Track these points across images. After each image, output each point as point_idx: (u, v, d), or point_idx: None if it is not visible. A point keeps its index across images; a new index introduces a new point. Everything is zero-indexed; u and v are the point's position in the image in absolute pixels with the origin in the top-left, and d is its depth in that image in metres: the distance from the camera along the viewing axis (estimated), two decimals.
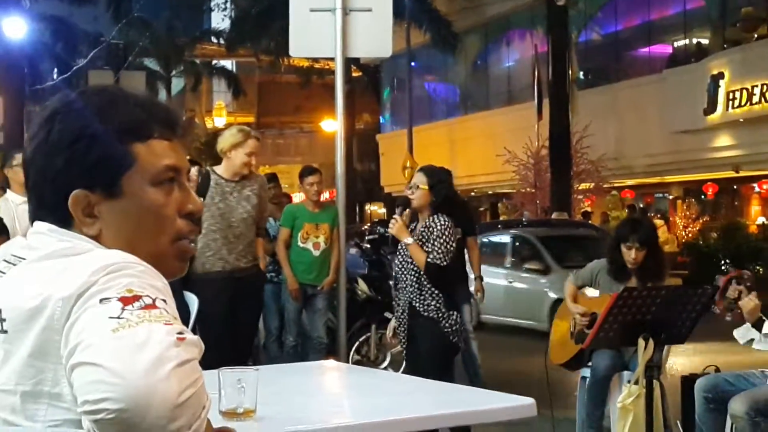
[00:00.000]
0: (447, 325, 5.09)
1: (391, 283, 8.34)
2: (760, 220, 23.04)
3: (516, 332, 11.78)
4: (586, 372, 5.37)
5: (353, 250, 10.93)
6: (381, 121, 36.64)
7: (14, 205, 5.98)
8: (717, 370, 4.78)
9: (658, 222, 20.04)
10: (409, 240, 5.13)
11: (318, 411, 2.63)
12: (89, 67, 23.21)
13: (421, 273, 5.10)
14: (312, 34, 6.31)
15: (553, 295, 11.24)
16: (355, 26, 6.27)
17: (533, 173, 21.79)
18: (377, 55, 6.99)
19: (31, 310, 1.29)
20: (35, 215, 1.46)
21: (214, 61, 37.89)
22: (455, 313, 5.14)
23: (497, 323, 12.05)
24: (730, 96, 19.11)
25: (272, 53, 29.43)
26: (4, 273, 1.40)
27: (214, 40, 35.37)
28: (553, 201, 19.84)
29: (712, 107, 19.52)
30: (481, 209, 30.34)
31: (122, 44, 25.22)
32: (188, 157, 1.70)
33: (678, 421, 5.03)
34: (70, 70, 24.56)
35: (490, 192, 29.17)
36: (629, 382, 4.56)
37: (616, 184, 23.36)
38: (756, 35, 19.96)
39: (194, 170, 5.84)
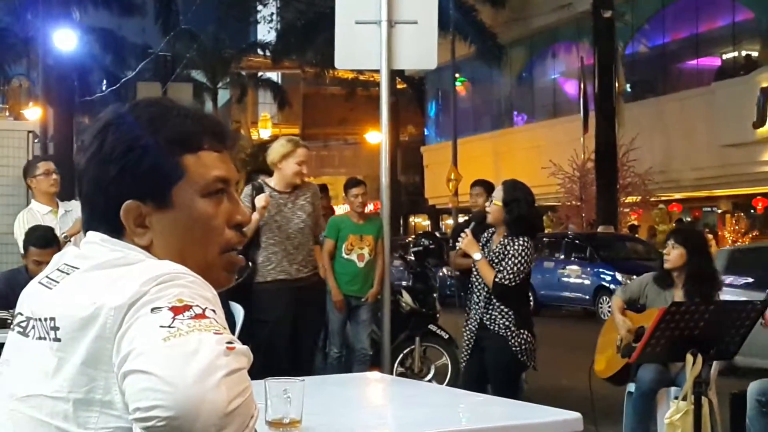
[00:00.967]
0: (516, 343, 5.06)
1: (435, 296, 8.35)
2: None
3: (561, 344, 11.69)
4: (632, 387, 5.31)
5: (397, 262, 10.93)
6: (425, 132, 36.65)
7: (40, 215, 6.04)
8: None
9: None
10: (478, 256, 5.10)
11: (362, 423, 2.63)
12: (137, 79, 23.52)
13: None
14: (357, 46, 6.33)
15: None
16: (401, 38, 6.28)
17: (579, 186, 21.65)
18: (422, 67, 6.99)
19: (84, 318, 1.31)
20: (88, 225, 1.48)
21: (259, 73, 38.20)
22: (526, 331, 5.10)
23: None
24: None
25: (317, 65, 29.65)
26: (57, 282, 1.42)
27: (260, 52, 35.71)
28: (599, 214, 19.68)
29: (761, 120, 19.25)
30: None
31: (170, 56, 25.49)
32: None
33: None
34: (119, 81, 24.92)
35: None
36: (677, 398, 4.50)
37: (663, 198, 23.12)
38: None
39: (248, 188, 5.88)
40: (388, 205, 6.45)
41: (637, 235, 20.12)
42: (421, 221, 38.43)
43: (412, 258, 8.68)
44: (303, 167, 5.83)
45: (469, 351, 5.25)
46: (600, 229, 18.91)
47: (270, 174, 6.06)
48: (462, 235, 5.29)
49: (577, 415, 2.46)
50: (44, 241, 5.13)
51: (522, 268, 5.07)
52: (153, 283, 1.30)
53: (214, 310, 1.30)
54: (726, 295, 5.79)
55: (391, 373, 6.72)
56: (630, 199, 21.46)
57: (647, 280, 5.46)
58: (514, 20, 27.13)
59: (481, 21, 26.46)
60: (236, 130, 35.56)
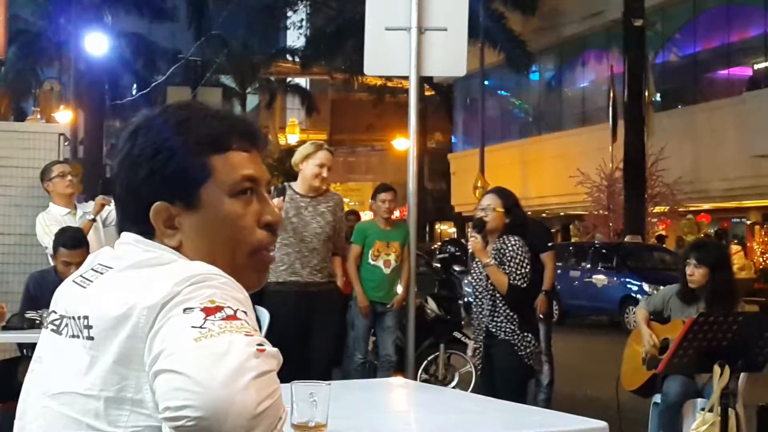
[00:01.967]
0: (521, 347, 5.06)
1: (461, 302, 8.34)
2: None
3: (587, 354, 11.63)
4: (658, 398, 5.28)
5: (423, 269, 10.93)
6: (453, 140, 36.62)
7: (60, 216, 6.09)
8: None
9: (735, 248, 19.60)
10: (491, 261, 5.09)
11: (387, 427, 2.63)
12: (167, 84, 23.69)
13: (497, 295, 5.07)
14: (387, 53, 6.35)
15: None
16: (430, 45, 6.29)
17: (606, 195, 21.53)
18: (451, 74, 6.99)
19: (117, 317, 1.33)
20: (121, 226, 1.51)
21: (288, 79, 38.34)
22: (530, 335, 5.11)
23: None
24: None
25: (346, 71, 29.71)
26: (91, 281, 1.44)
27: (289, 58, 35.83)
28: (627, 224, 19.57)
29: None
30: (552, 231, 30.06)
31: (200, 61, 25.70)
32: None
33: None
34: (149, 86, 25.10)
35: (561, 213, 28.90)
36: (703, 409, 4.47)
37: (691, 208, 22.95)
38: None
39: (271, 189, 5.91)
40: (414, 211, 6.46)
41: (664, 246, 19.98)
42: (447, 228, 38.37)
43: (438, 265, 8.68)
44: (323, 170, 5.82)
45: (481, 362, 5.25)
46: (627, 238, 18.79)
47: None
48: (471, 238, 5.28)
49: (603, 424, 2.46)
50: (74, 242, 5.17)
51: (525, 265, 5.10)
52: (185, 284, 1.31)
53: (245, 312, 1.31)
54: None
55: (415, 380, 6.72)
56: (658, 209, 21.32)
57: (671, 293, 5.43)
58: (543, 28, 27.06)
59: (511, 29, 26.42)
60: (264, 134, 35.67)
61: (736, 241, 22.93)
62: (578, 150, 24.99)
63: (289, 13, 35.30)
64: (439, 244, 17.36)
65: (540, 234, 7.17)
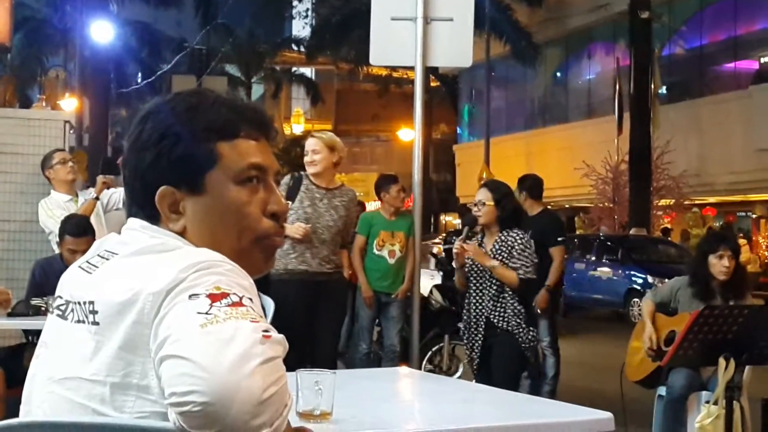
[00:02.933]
0: (525, 340, 5.08)
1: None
2: None
3: (592, 346, 11.63)
4: (663, 390, 5.28)
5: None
6: (458, 131, 36.59)
7: (62, 202, 6.11)
8: None
9: (741, 241, 19.58)
10: (495, 263, 5.10)
11: (391, 416, 2.63)
12: (173, 72, 23.69)
13: (505, 287, 5.09)
14: (392, 43, 6.33)
15: None
16: (436, 35, 6.28)
17: (611, 188, 21.51)
18: (457, 64, 6.98)
19: (122, 303, 1.33)
20: (129, 212, 1.51)
21: (293, 69, 38.31)
22: (534, 329, 5.16)
23: None
24: None
25: (351, 61, 29.67)
26: (97, 267, 1.44)
27: (294, 47, 35.79)
28: (632, 217, 19.55)
29: None
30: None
31: (205, 50, 25.68)
32: None
33: None
34: (154, 74, 25.10)
35: (566, 206, 28.89)
36: (708, 402, 4.46)
37: (697, 201, 22.92)
38: None
39: (287, 177, 5.91)
40: (419, 202, 6.46)
41: (669, 239, 19.96)
42: (451, 219, 38.38)
43: (443, 256, 8.68)
44: (308, 156, 5.81)
45: (479, 353, 5.25)
46: (632, 231, 18.78)
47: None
48: (455, 247, 5.30)
49: (608, 415, 2.45)
50: (79, 229, 5.18)
51: (534, 259, 5.14)
52: (191, 270, 1.31)
53: (250, 299, 1.31)
54: None
55: (420, 370, 6.72)
56: (663, 201, 21.30)
57: (679, 285, 5.41)
58: (549, 20, 27.00)
59: (517, 20, 26.36)
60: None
61: (741, 235, 22.92)
62: (584, 142, 24.96)
63: (295, 3, 35.30)
64: (444, 234, 17.35)
65: (550, 226, 7.16)
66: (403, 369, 4.29)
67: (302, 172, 5.91)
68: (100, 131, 21.23)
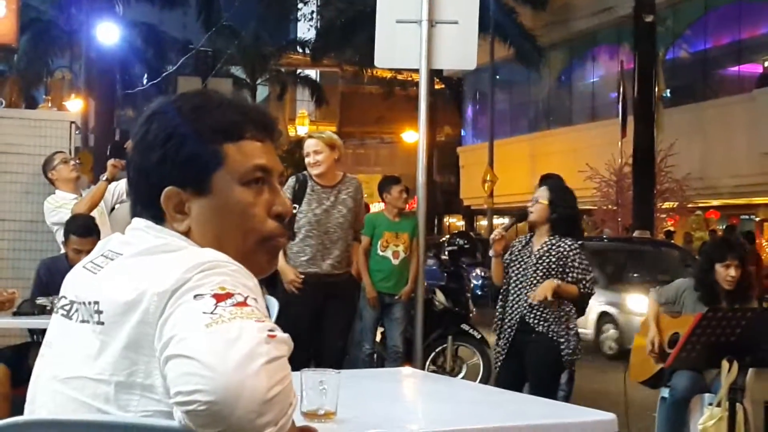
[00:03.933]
0: (568, 347, 5.01)
1: (468, 295, 8.34)
2: None
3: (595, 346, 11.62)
4: (666, 392, 5.28)
5: (431, 261, 10.94)
6: (462, 133, 36.58)
7: (69, 200, 6.12)
8: None
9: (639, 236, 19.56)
10: (556, 282, 4.97)
11: (395, 416, 2.64)
12: (178, 74, 23.70)
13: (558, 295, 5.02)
14: (397, 45, 6.34)
15: None
16: (441, 38, 6.29)
17: (615, 190, 21.49)
18: (462, 67, 6.99)
19: (127, 303, 1.33)
20: (134, 212, 1.52)
21: (298, 71, 38.33)
22: (579, 340, 5.09)
23: None
24: None
25: (356, 64, 29.67)
26: (102, 267, 1.45)
27: (299, 49, 35.80)
28: (635, 219, 19.53)
29: None
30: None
31: (210, 52, 25.65)
32: None
33: None
34: (160, 76, 25.12)
35: None
36: (711, 404, 4.47)
37: (700, 204, 22.90)
38: None
39: (292, 179, 5.90)
40: (424, 204, 6.46)
41: (672, 241, 19.93)
42: (455, 221, 38.36)
43: (446, 257, 8.69)
44: (310, 157, 5.77)
45: (505, 351, 5.21)
46: (636, 234, 18.75)
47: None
48: (495, 234, 5.25)
49: (611, 416, 2.46)
50: (84, 229, 5.19)
51: (591, 269, 5.09)
52: (196, 270, 1.32)
53: (255, 299, 1.32)
54: None
55: (423, 371, 6.73)
56: (667, 204, 21.27)
57: (685, 286, 5.40)
58: (554, 23, 26.98)
59: (521, 23, 26.35)
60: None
61: (745, 238, 22.88)
62: (587, 145, 24.93)
63: (300, 5, 35.28)
64: (448, 236, 17.37)
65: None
66: (407, 369, 4.30)
67: (305, 173, 5.90)
68: (106, 132, 21.26)
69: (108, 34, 21.04)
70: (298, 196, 5.72)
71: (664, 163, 20.49)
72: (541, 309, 5.04)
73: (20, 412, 1.49)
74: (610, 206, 21.73)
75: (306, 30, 36.77)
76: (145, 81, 27.12)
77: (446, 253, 8.72)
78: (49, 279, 5.10)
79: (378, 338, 7.42)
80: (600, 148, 22.86)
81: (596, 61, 28.49)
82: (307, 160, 5.82)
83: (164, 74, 25.22)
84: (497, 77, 28.25)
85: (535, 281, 5.07)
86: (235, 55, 30.33)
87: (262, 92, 37.98)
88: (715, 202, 23.86)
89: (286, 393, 1.24)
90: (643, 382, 5.43)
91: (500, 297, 5.30)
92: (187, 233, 1.46)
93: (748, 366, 4.49)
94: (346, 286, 6.00)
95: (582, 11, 26.28)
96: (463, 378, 7.57)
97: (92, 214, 5.78)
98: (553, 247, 5.04)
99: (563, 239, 5.06)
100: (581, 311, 5.20)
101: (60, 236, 5.69)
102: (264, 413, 1.21)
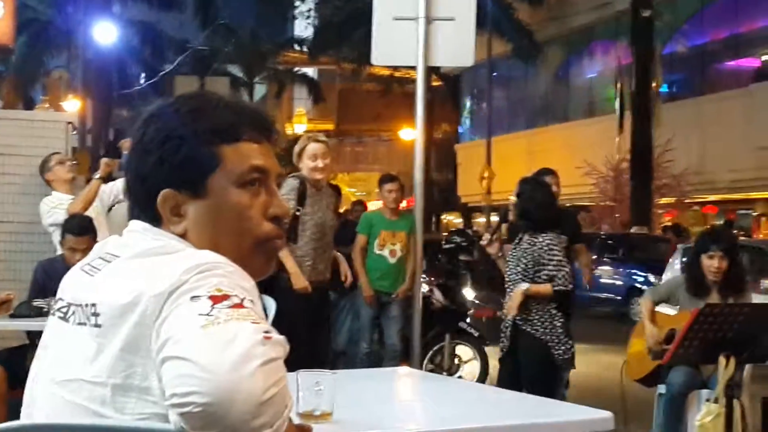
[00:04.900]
0: (559, 350, 5.03)
1: (464, 292, 8.33)
2: None
3: (592, 344, 11.63)
4: (663, 388, 5.29)
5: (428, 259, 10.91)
6: (459, 130, 36.57)
7: (66, 201, 6.13)
8: None
9: (742, 239, 19.56)
10: (524, 286, 5.03)
11: (392, 417, 2.64)
12: (175, 73, 23.69)
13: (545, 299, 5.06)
14: (394, 43, 6.34)
15: None
16: (438, 35, 6.28)
17: (613, 186, 21.51)
18: (459, 64, 6.99)
19: (124, 305, 1.34)
20: (131, 214, 1.52)
21: (296, 69, 38.29)
22: (570, 341, 5.09)
23: None
24: None
25: (353, 61, 29.64)
26: (99, 270, 1.45)
27: (296, 47, 35.75)
28: (633, 215, 19.56)
29: None
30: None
31: (207, 51, 25.67)
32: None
33: None
34: (157, 75, 25.10)
35: (567, 204, 28.86)
36: (708, 400, 4.47)
37: (698, 199, 22.92)
38: None
39: (294, 181, 5.81)
40: (421, 201, 6.46)
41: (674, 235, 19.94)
42: (453, 219, 38.36)
43: (444, 255, 8.68)
44: (318, 161, 5.72)
45: (505, 349, 5.25)
46: (633, 229, 18.78)
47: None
48: (483, 240, 5.32)
49: (608, 414, 2.46)
50: (80, 229, 5.19)
51: (565, 266, 5.09)
52: (193, 272, 1.32)
53: (252, 301, 1.32)
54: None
55: (421, 370, 6.73)
56: (664, 200, 21.30)
57: (678, 283, 5.41)
58: (551, 18, 26.99)
59: (518, 19, 26.35)
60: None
61: (742, 233, 22.89)
62: (585, 141, 24.95)
63: (297, 3, 35.23)
64: (446, 234, 17.36)
65: (572, 224, 7.07)
66: (404, 369, 4.30)
67: (303, 175, 5.82)
68: (103, 132, 21.25)
69: (105, 33, 21.03)
70: (302, 199, 5.68)
71: (662, 158, 20.52)
72: (525, 310, 5.09)
73: (17, 414, 1.50)
74: (608, 202, 21.76)
75: (303, 28, 36.72)
76: (142, 80, 27.11)
77: (443, 250, 8.72)
78: (46, 281, 5.09)
79: (375, 337, 7.42)
80: (598, 143, 22.90)
81: (593, 57, 28.51)
82: (311, 163, 5.71)
83: (161, 73, 25.22)
84: (494, 74, 28.24)
85: (513, 284, 5.16)
86: (232, 53, 30.32)
87: (259, 91, 37.93)
88: (713, 197, 23.88)
89: (282, 394, 1.25)
90: (639, 381, 5.44)
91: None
92: (183, 235, 1.46)
93: (745, 362, 4.51)
94: (328, 288, 6.09)
95: (579, 6, 26.29)
96: (460, 376, 7.57)
97: (89, 214, 5.77)
98: (530, 247, 5.09)
99: (540, 235, 5.09)
100: (566, 313, 5.19)
101: (57, 237, 5.68)
102: (260, 415, 1.21)
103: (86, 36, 21.20)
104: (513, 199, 5.23)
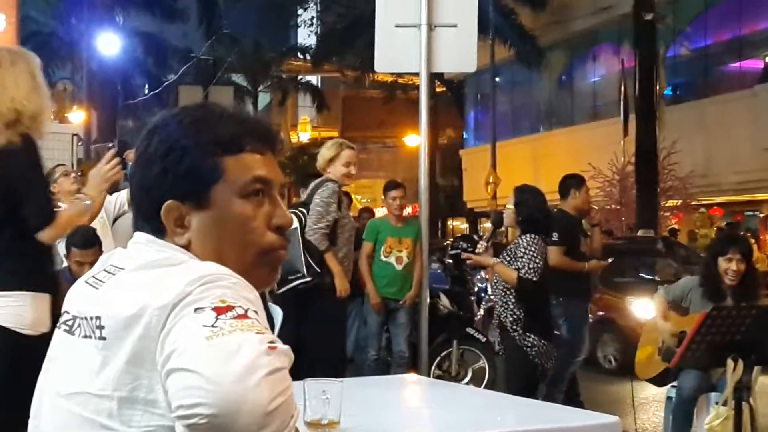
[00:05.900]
0: (526, 344, 5.12)
1: (472, 299, 8.33)
2: None
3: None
4: (672, 392, 5.28)
5: (435, 265, 10.91)
6: (464, 136, 36.57)
7: None
8: None
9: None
10: (493, 260, 5.23)
11: (400, 424, 2.64)
12: (179, 83, 23.74)
13: (508, 291, 5.15)
14: (397, 50, 6.35)
15: None
16: (441, 42, 6.29)
17: (618, 190, 21.48)
18: (462, 70, 7.00)
19: (129, 318, 1.34)
20: (136, 225, 1.52)
21: (299, 77, 38.35)
22: (532, 335, 5.16)
23: None
24: None
25: (357, 68, 29.69)
26: (103, 282, 1.45)
27: (300, 55, 35.82)
28: (639, 218, 19.52)
29: None
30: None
31: (211, 60, 25.73)
32: None
33: None
34: (161, 85, 25.16)
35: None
36: (717, 403, 4.46)
37: (704, 202, 22.87)
38: None
39: (334, 185, 5.86)
40: (426, 208, 6.46)
41: (677, 239, 19.90)
42: (459, 224, 38.34)
43: (450, 261, 8.68)
44: (350, 168, 5.92)
45: (501, 352, 5.39)
46: (640, 232, 18.73)
47: (316, 176, 6.13)
48: (479, 248, 5.43)
49: (615, 418, 2.46)
50: (85, 241, 5.20)
51: (536, 262, 5.14)
52: (197, 284, 1.32)
53: (256, 311, 1.32)
54: None
55: (429, 376, 6.72)
56: (670, 202, 21.25)
57: (692, 284, 5.40)
58: (553, 23, 26.98)
59: (521, 24, 26.35)
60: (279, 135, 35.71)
61: (749, 234, 22.84)
62: (590, 145, 24.91)
63: (300, 11, 35.32)
64: (451, 240, 17.34)
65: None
66: (412, 376, 4.30)
67: (333, 181, 5.91)
68: (108, 143, 21.29)
69: (109, 44, 21.09)
70: (339, 203, 5.81)
71: (667, 161, 20.47)
72: (505, 309, 5.22)
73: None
74: (613, 206, 21.71)
75: (306, 36, 36.82)
76: (146, 91, 27.17)
77: (450, 256, 8.72)
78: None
79: (383, 344, 7.42)
80: (602, 147, 22.84)
81: (597, 61, 28.48)
82: (344, 169, 5.92)
83: (165, 83, 25.27)
84: (498, 79, 28.23)
85: (499, 280, 5.31)
86: (235, 62, 30.37)
87: (263, 99, 38.01)
88: (719, 199, 23.83)
89: (288, 404, 1.24)
90: (649, 380, 5.44)
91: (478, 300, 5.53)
92: (187, 246, 1.46)
93: (754, 364, 4.49)
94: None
95: (581, 10, 26.27)
96: (468, 382, 7.56)
97: (94, 225, 5.77)
98: (516, 246, 5.23)
99: (523, 236, 5.25)
100: (535, 307, 5.21)
101: (62, 250, 5.69)
102: (266, 425, 1.21)
103: (90, 47, 21.26)
104: (510, 207, 5.36)
